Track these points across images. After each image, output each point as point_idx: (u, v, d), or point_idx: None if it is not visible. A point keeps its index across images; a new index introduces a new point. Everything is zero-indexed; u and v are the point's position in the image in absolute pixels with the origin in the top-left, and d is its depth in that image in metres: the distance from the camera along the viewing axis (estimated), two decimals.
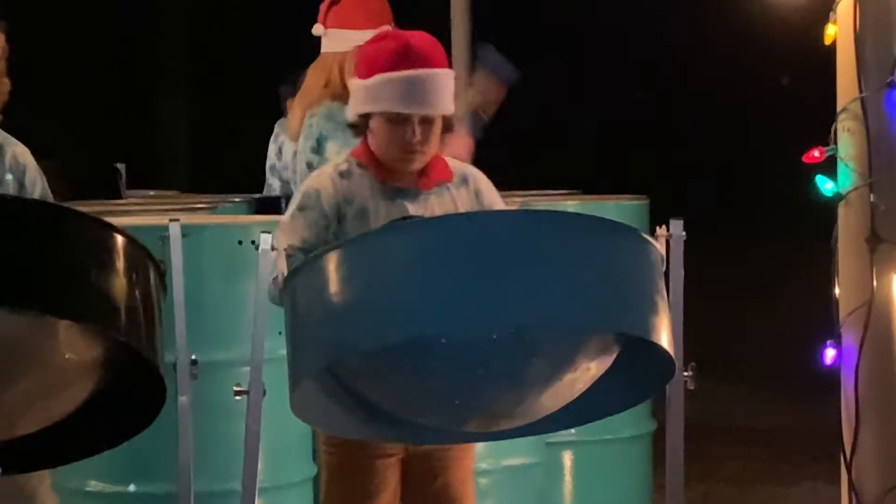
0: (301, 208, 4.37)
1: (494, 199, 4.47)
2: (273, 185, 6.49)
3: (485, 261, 3.56)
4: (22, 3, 4.39)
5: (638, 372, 3.91)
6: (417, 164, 4.37)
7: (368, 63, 4.39)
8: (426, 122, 4.32)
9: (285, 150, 6.16)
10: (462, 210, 4.37)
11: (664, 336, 3.71)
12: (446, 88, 4.36)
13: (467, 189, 4.44)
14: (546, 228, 3.69)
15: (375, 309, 3.59)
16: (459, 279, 3.54)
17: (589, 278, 3.61)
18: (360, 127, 4.41)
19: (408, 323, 3.55)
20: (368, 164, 4.38)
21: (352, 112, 4.43)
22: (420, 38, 4.38)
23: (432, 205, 4.36)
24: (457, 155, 5.90)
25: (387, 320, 3.57)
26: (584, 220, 3.80)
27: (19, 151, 4.35)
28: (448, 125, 4.42)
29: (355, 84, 4.41)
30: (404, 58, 4.32)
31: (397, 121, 4.32)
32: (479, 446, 5.41)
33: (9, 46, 4.35)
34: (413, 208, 4.34)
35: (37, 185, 4.32)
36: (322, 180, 4.40)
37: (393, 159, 4.35)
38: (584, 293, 3.60)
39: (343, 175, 4.38)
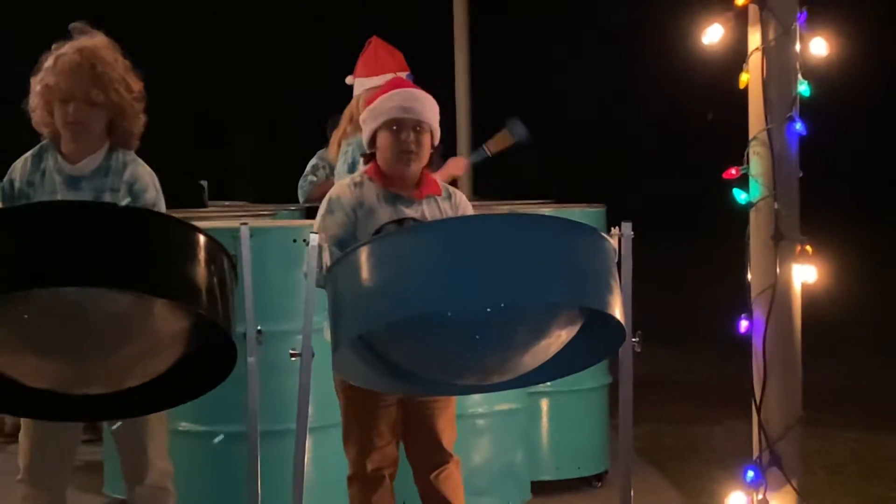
0: (330, 211, 4.38)
1: (468, 212, 4.49)
2: (299, 197, 6.47)
3: (481, 252, 3.55)
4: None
5: (597, 338, 3.90)
6: (412, 167, 4.38)
7: (374, 96, 4.47)
8: (417, 130, 4.35)
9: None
10: (446, 217, 4.41)
11: (617, 310, 3.70)
12: (432, 110, 4.42)
13: (451, 202, 4.47)
14: (528, 227, 3.69)
15: (396, 291, 3.58)
16: (461, 267, 3.54)
17: (560, 265, 3.60)
18: (370, 155, 4.45)
19: (420, 301, 3.55)
20: (375, 177, 4.41)
21: (364, 139, 4.47)
22: (412, 85, 4.51)
23: (423, 210, 4.38)
24: (456, 171, 5.94)
25: (404, 299, 3.56)
26: (556, 220, 3.77)
27: (140, 169, 4.34)
28: (436, 149, 4.46)
29: (364, 114, 4.45)
30: (394, 83, 4.47)
31: (396, 126, 4.34)
32: (476, 395, 5.43)
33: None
34: (408, 212, 4.35)
35: (147, 193, 4.31)
36: (341, 189, 4.43)
37: (393, 162, 4.36)
38: (557, 276, 3.59)
39: (357, 185, 4.41)
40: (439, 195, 4.45)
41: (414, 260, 3.60)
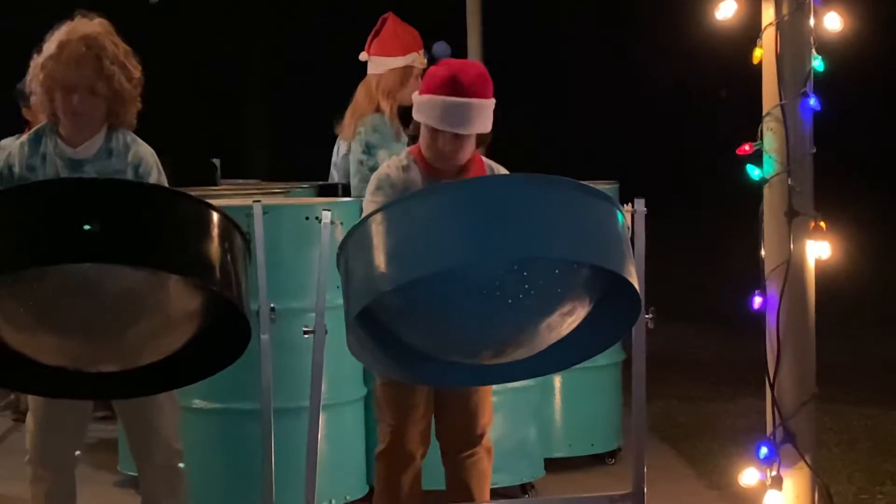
0: (378, 188, 4.35)
1: None
2: (334, 177, 6.47)
3: (490, 210, 3.54)
4: (144, 48, 4.41)
5: (610, 317, 3.89)
6: (449, 167, 4.34)
7: (426, 83, 4.36)
8: (458, 137, 4.29)
9: (340, 149, 6.16)
10: None
11: (634, 276, 3.68)
12: (479, 115, 4.29)
13: None
14: (540, 186, 3.66)
15: (407, 252, 3.58)
16: (471, 226, 3.52)
17: (575, 224, 3.60)
18: (418, 128, 4.41)
19: (431, 262, 3.54)
20: (419, 160, 4.38)
21: (414, 116, 4.41)
22: (468, 71, 4.31)
23: None
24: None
25: (415, 261, 3.55)
26: (568, 181, 3.74)
27: (141, 150, 4.34)
28: (482, 138, 4.37)
29: (416, 97, 4.38)
30: (449, 86, 4.27)
31: (434, 132, 4.31)
32: None
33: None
34: None
35: (151, 175, 4.32)
36: (391, 169, 4.39)
37: (430, 159, 4.35)
38: (572, 235, 3.59)
39: (404, 169, 4.37)
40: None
41: (424, 222, 3.58)
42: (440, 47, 6.28)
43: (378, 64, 5.75)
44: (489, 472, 4.57)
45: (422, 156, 4.36)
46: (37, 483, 4.34)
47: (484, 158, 4.48)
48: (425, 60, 5.76)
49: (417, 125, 4.40)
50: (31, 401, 4.35)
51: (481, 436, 4.51)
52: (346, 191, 6.01)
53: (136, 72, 4.34)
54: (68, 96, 4.22)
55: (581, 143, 19.13)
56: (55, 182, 4.04)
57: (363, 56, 5.81)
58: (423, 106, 4.32)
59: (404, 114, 5.77)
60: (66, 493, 4.39)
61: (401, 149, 5.57)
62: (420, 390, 4.42)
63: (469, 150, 4.35)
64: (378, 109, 5.69)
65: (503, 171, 4.49)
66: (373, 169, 5.62)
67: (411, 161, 4.38)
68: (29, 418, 4.35)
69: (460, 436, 4.50)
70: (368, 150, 5.67)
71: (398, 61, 5.67)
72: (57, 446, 4.33)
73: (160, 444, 4.35)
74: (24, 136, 4.38)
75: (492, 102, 4.35)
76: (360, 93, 5.82)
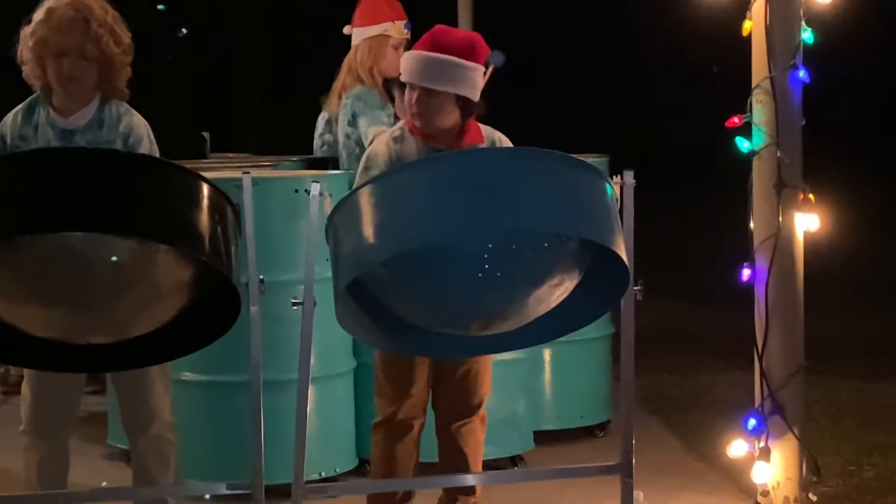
0: (366, 168, 4.35)
1: None
2: (316, 153, 6.42)
3: (479, 183, 3.54)
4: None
5: (599, 290, 3.90)
6: (419, 126, 4.30)
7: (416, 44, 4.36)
8: (429, 94, 4.24)
9: (320, 126, 6.12)
10: None
11: (622, 249, 3.69)
12: (456, 74, 4.23)
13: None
14: (529, 159, 3.67)
15: (395, 226, 3.58)
16: (458, 199, 3.53)
17: (563, 197, 3.60)
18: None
19: (420, 235, 3.55)
20: (414, 129, 4.36)
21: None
22: (455, 32, 4.31)
23: None
24: None
25: (403, 235, 3.56)
26: (557, 154, 3.74)
27: (134, 121, 4.33)
28: (468, 107, 4.29)
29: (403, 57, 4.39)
30: (428, 41, 4.27)
31: (410, 90, 4.29)
32: None
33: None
34: None
35: (141, 146, 4.31)
36: (380, 146, 4.37)
37: (414, 122, 4.32)
38: (561, 208, 3.59)
39: (396, 140, 4.35)
40: (481, 143, 4.35)
41: (413, 195, 3.59)
42: (496, 57, 6.24)
43: (356, 35, 5.77)
44: (482, 441, 4.59)
45: (415, 125, 4.34)
46: (30, 452, 4.35)
47: (482, 126, 4.41)
48: (405, 31, 5.75)
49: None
50: (26, 371, 4.36)
51: (478, 405, 4.52)
52: (336, 164, 6.00)
53: (126, 37, 4.33)
54: (58, 61, 4.21)
55: (571, 115, 19.12)
56: (44, 151, 4.03)
57: (347, 30, 5.82)
58: (403, 62, 4.32)
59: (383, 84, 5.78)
60: (59, 463, 4.40)
61: (384, 117, 5.57)
62: (421, 364, 4.42)
63: (447, 113, 4.27)
64: (357, 80, 5.69)
65: (503, 138, 4.45)
66: (357, 142, 5.62)
67: (406, 132, 4.36)
68: (24, 389, 4.36)
69: (458, 405, 4.50)
70: (354, 120, 5.66)
71: (371, 31, 5.67)
72: (51, 417, 4.34)
73: (154, 415, 4.36)
74: (19, 106, 4.37)
75: (477, 67, 4.28)
76: (344, 67, 5.82)
